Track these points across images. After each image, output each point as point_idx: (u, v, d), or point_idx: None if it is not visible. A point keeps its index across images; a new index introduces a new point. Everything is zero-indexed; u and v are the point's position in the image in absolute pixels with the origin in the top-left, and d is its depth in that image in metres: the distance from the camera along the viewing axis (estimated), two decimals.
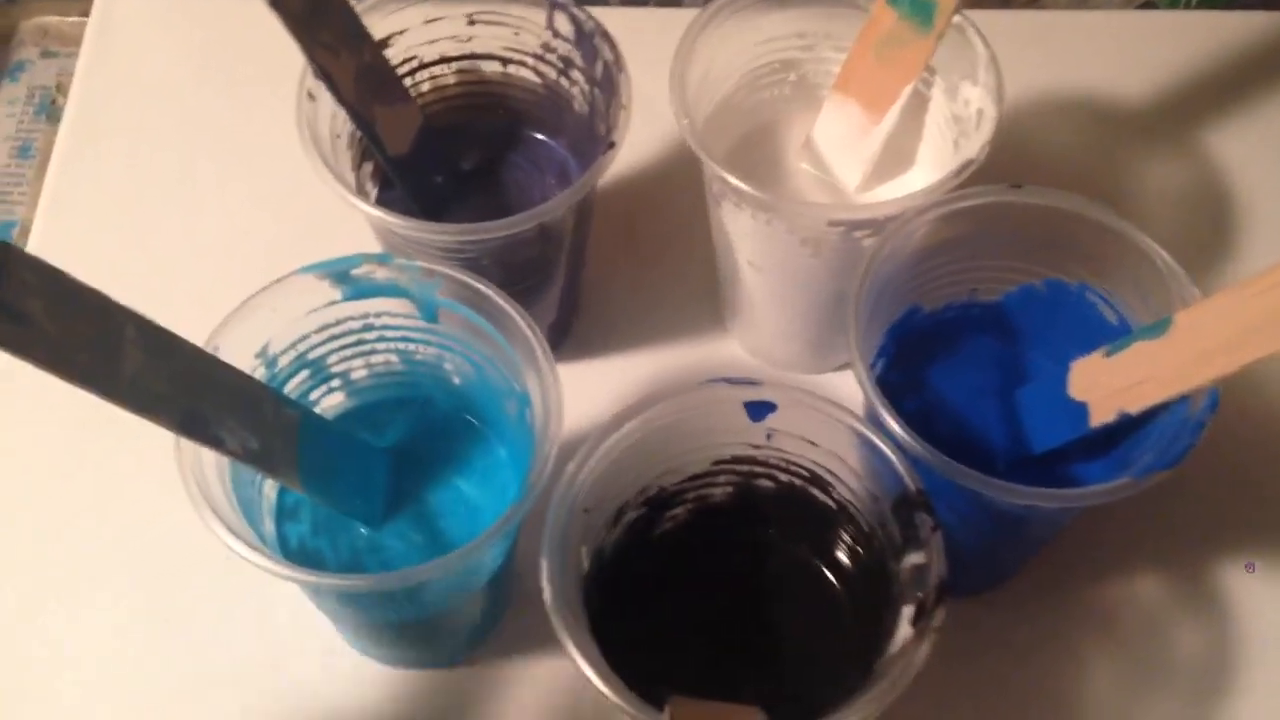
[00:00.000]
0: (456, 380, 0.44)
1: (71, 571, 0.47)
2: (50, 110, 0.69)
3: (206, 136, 0.59)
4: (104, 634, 0.46)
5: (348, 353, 0.43)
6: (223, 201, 0.57)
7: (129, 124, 0.59)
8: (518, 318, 0.39)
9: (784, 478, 0.42)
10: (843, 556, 0.42)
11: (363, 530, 0.42)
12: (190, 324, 0.35)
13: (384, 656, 0.46)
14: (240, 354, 0.38)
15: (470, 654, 0.46)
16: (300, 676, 0.46)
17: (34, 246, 0.55)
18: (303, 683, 0.45)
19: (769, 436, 0.40)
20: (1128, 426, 0.41)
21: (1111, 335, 0.42)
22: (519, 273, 0.45)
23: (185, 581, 0.47)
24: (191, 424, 0.34)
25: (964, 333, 0.46)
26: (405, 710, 0.45)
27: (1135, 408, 0.39)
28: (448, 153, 0.48)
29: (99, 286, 0.31)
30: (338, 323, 0.42)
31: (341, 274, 0.40)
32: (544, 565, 0.35)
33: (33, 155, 0.66)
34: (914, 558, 0.37)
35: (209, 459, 0.36)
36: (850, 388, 0.51)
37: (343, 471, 0.41)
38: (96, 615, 0.47)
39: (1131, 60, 0.63)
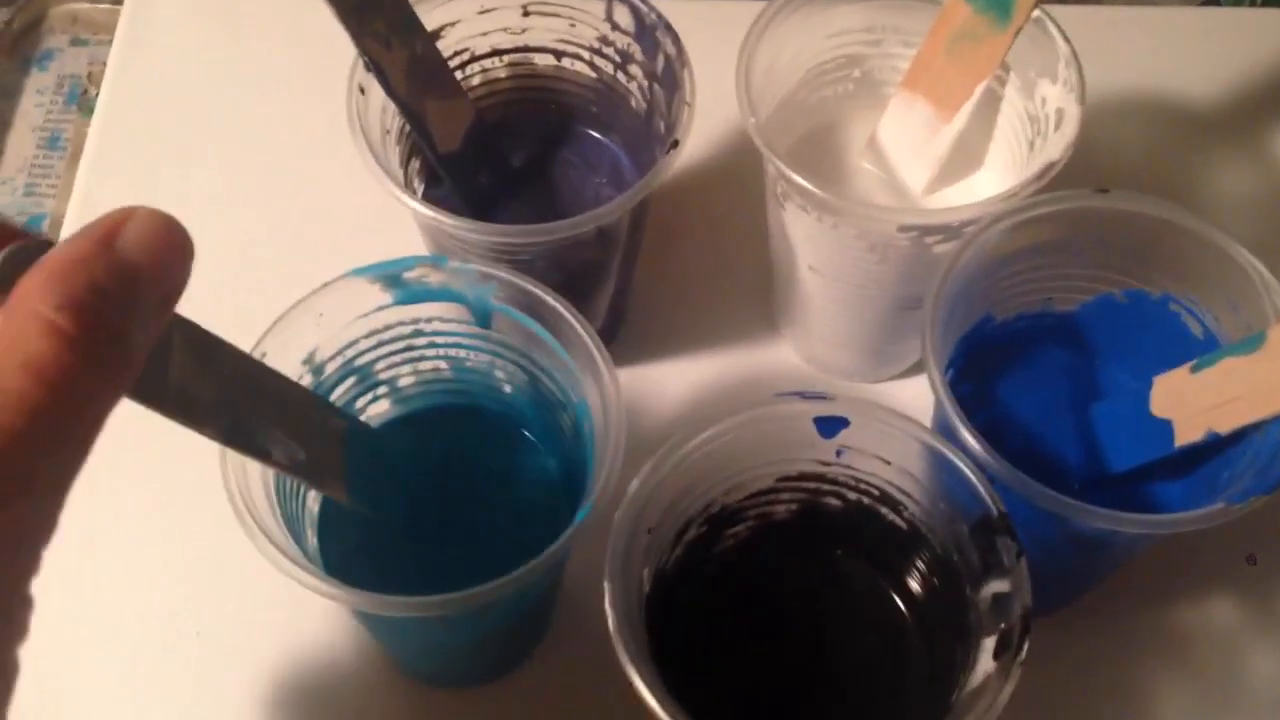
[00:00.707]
0: (507, 389, 0.42)
1: (95, 585, 0.46)
2: (81, 100, 0.67)
3: (245, 129, 0.57)
4: (133, 648, 0.45)
5: (396, 359, 0.41)
6: (262, 197, 0.55)
7: (164, 116, 0.57)
8: (577, 325, 0.37)
9: (852, 496, 0.40)
10: (913, 581, 0.40)
11: (408, 543, 0.40)
12: (228, 326, 0.33)
13: (426, 674, 0.44)
14: (288, 361, 0.37)
15: (513, 670, 0.44)
16: (336, 696, 0.44)
17: None
18: (341, 704, 0.44)
19: (839, 453, 0.38)
20: (1214, 446, 0.39)
21: (1196, 349, 0.40)
22: (572, 276, 0.44)
23: (220, 595, 0.45)
24: (238, 434, 0.32)
25: (1036, 344, 0.44)
26: None
27: (1225, 428, 0.37)
28: (498, 149, 0.46)
29: None
30: (387, 328, 0.40)
31: (393, 277, 0.38)
32: (607, 589, 0.33)
33: (63, 146, 0.64)
34: (996, 585, 0.35)
35: (254, 472, 0.35)
36: (908, 398, 0.50)
37: (389, 483, 0.39)
38: (123, 629, 0.45)
39: (1195, 58, 0.61)
